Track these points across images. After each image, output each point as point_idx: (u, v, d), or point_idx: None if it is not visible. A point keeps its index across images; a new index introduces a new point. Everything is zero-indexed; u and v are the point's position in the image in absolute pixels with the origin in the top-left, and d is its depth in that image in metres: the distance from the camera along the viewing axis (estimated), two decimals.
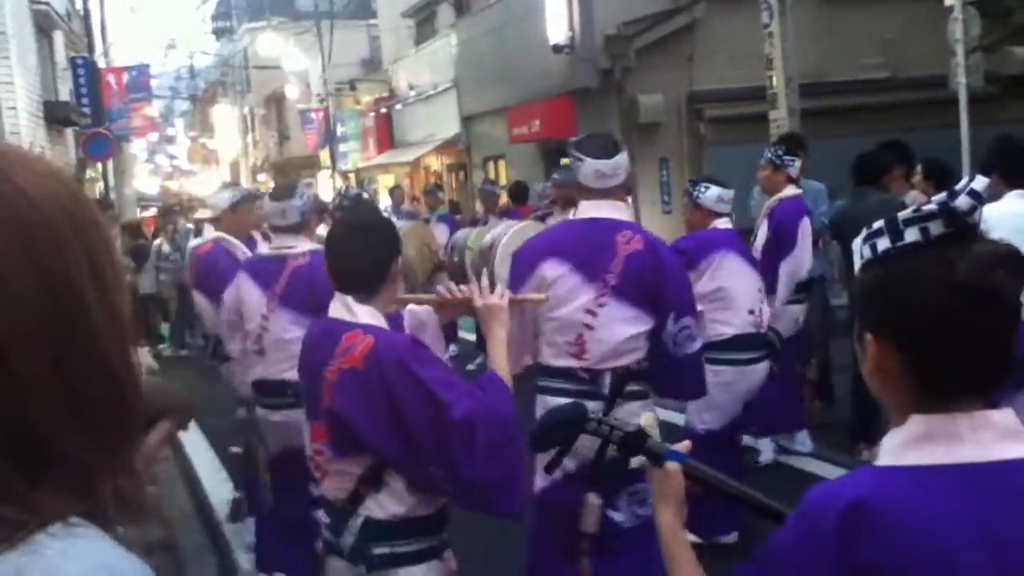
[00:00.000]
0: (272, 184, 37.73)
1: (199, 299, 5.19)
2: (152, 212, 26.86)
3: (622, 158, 3.47)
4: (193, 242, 5.44)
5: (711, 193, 4.68)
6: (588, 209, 3.47)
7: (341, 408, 2.32)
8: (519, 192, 9.86)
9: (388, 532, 2.36)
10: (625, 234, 3.37)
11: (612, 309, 3.31)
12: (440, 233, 10.15)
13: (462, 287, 2.64)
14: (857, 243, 1.23)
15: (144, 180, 30.26)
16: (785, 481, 5.53)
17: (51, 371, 0.74)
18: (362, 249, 2.48)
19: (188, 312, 10.31)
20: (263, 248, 4.26)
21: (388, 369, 2.27)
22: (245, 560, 4.77)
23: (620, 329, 3.32)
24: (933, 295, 1.14)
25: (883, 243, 1.18)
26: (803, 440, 5.95)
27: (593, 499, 3.21)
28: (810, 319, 6.25)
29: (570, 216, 3.77)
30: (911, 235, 1.16)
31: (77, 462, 0.75)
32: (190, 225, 12.08)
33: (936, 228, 1.15)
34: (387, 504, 2.35)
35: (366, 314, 2.42)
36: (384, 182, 23.37)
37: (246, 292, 4.06)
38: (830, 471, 5.70)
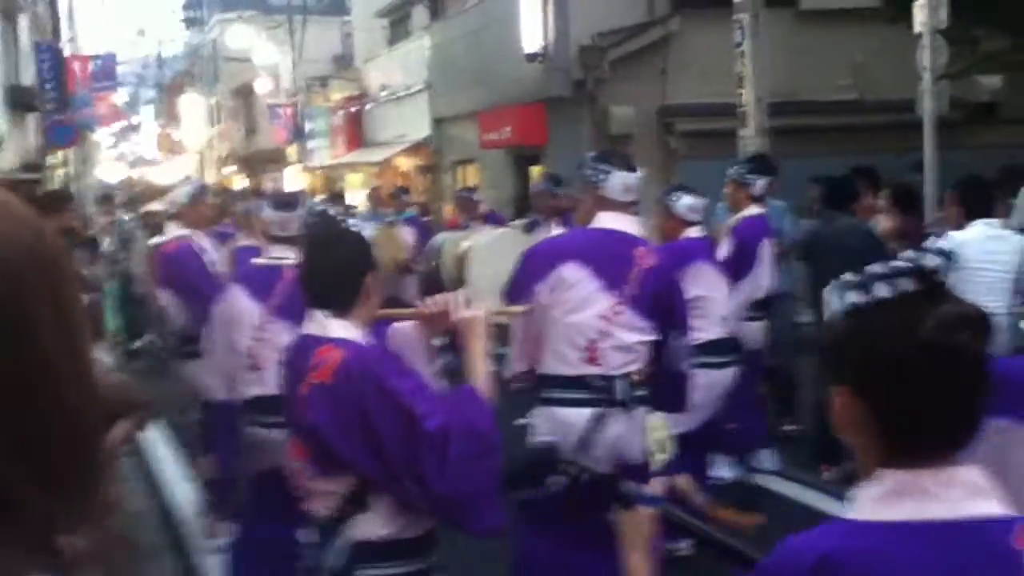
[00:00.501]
0: (242, 177, 37.48)
1: (165, 297, 5.14)
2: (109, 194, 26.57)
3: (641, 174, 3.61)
4: (155, 240, 5.36)
5: (684, 202, 4.80)
6: (607, 220, 3.53)
7: (313, 422, 2.29)
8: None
9: (374, 554, 2.32)
10: (642, 249, 3.50)
11: (626, 318, 3.42)
12: (407, 235, 10.13)
13: (437, 298, 2.62)
14: (827, 294, 1.25)
15: (108, 168, 29.75)
16: (749, 499, 5.59)
17: (8, 419, 0.70)
18: (333, 264, 2.45)
19: (135, 308, 10.16)
20: (257, 259, 4.10)
21: (358, 382, 2.24)
22: (209, 562, 4.70)
23: (632, 336, 3.45)
24: (899, 351, 1.16)
25: (853, 296, 1.21)
26: (767, 458, 6.01)
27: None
28: (776, 336, 6.33)
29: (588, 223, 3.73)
30: (881, 290, 1.19)
31: (34, 513, 0.71)
32: (127, 216, 11.76)
33: (905, 285, 1.18)
34: (372, 525, 2.32)
35: (339, 328, 2.39)
36: (352, 181, 23.22)
37: (240, 305, 3.90)
38: (794, 490, 5.78)
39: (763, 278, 5.58)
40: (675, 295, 3.58)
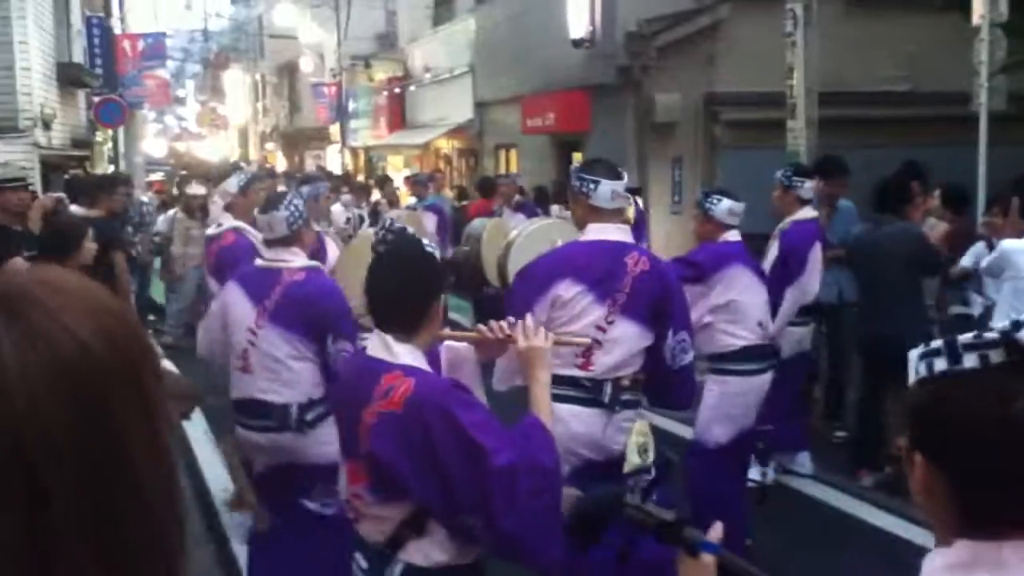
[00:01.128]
0: (280, 154, 37.73)
1: (215, 286, 5.19)
2: (159, 176, 26.83)
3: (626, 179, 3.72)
4: (211, 231, 5.40)
5: (723, 206, 4.73)
6: (597, 232, 3.62)
7: (381, 452, 2.26)
8: (486, 186, 10.61)
9: None
10: (633, 256, 3.58)
11: (620, 326, 3.51)
12: (428, 222, 10.15)
13: (503, 324, 2.58)
14: (913, 358, 1.22)
15: (151, 141, 29.94)
16: (784, 503, 5.54)
17: (92, 522, 0.70)
18: (404, 287, 2.41)
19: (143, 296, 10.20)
20: (257, 260, 4.05)
21: (428, 414, 2.21)
22: (242, 552, 4.77)
23: (625, 346, 3.53)
24: (987, 428, 1.13)
25: (940, 364, 1.18)
26: (804, 461, 5.96)
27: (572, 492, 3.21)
28: (833, 342, 6.30)
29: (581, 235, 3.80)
30: (970, 360, 1.15)
31: None
32: (144, 198, 11.61)
33: (996, 356, 1.14)
34: (430, 551, 2.30)
35: (406, 354, 2.35)
36: (394, 162, 23.29)
37: (234, 303, 3.89)
38: (830, 495, 5.72)
39: (812, 284, 5.49)
40: (669, 294, 3.61)
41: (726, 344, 4.72)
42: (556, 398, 3.31)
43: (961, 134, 8.86)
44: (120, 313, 0.77)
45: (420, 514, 2.29)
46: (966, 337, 1.17)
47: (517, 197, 10.06)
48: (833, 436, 6.50)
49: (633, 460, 3.52)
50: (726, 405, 4.71)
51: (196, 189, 10.57)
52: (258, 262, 4.00)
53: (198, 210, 10.26)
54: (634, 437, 3.55)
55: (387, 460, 2.24)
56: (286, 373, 3.77)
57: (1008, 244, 4.98)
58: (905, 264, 5.45)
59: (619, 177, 3.66)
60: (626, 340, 3.52)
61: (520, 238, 5.46)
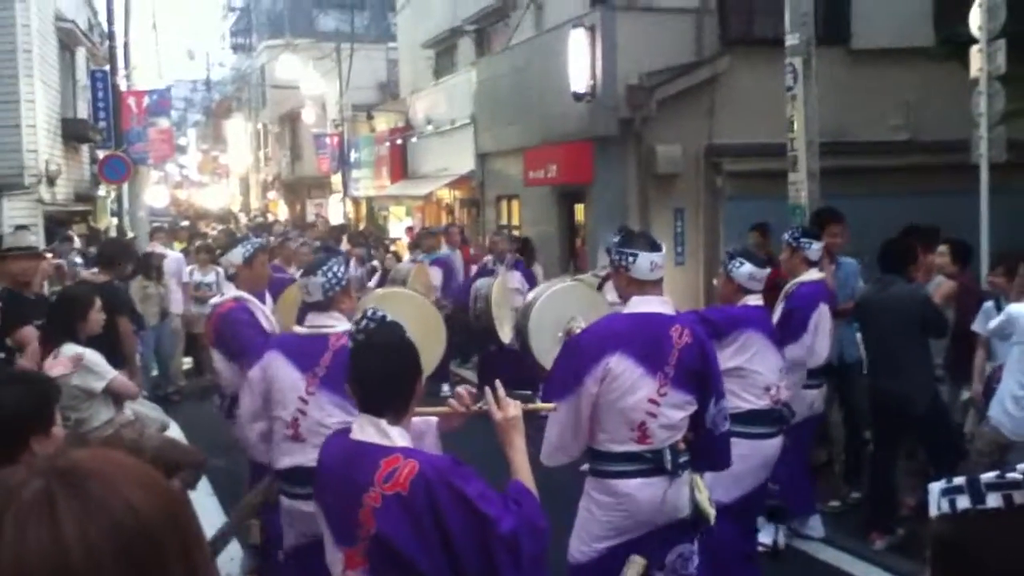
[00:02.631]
0: (281, 202, 37.83)
1: (217, 358, 5.15)
2: (161, 225, 26.92)
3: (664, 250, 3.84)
4: (214, 300, 5.37)
5: (744, 270, 4.76)
6: (640, 304, 3.74)
7: (388, 533, 2.31)
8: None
9: None
10: (676, 328, 3.71)
11: (671, 397, 3.65)
12: (434, 276, 10.17)
13: (465, 394, 2.80)
14: (934, 492, 1.21)
15: (152, 190, 30.11)
16: (795, 567, 5.47)
17: None
18: (397, 374, 2.50)
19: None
20: (296, 327, 4.05)
21: (435, 491, 2.31)
22: None
23: (678, 415, 3.68)
24: (1008, 569, 1.11)
25: (963, 502, 1.17)
26: (815, 525, 5.89)
27: (637, 559, 3.41)
28: (849, 403, 6.26)
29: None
30: (993, 500, 1.14)
31: None
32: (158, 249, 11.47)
33: (1020, 497, 1.13)
34: None
35: (400, 436, 2.44)
36: (396, 213, 23.38)
37: (281, 372, 3.85)
38: (842, 559, 5.65)
39: (819, 346, 5.48)
40: (710, 365, 3.76)
41: (732, 406, 4.67)
42: (620, 475, 3.66)
43: (963, 182, 8.90)
44: (167, 488, 0.85)
45: None
46: (988, 476, 1.16)
47: (509, 256, 10.08)
48: (849, 498, 6.43)
49: (710, 512, 3.74)
50: (732, 466, 4.65)
51: (155, 247, 10.62)
52: (297, 329, 4.00)
53: (153, 269, 10.33)
54: (702, 493, 3.75)
55: (395, 540, 2.31)
56: None
57: (1016, 309, 4.99)
58: (912, 325, 5.45)
59: (657, 249, 3.78)
60: (678, 409, 3.67)
61: (541, 300, 5.48)
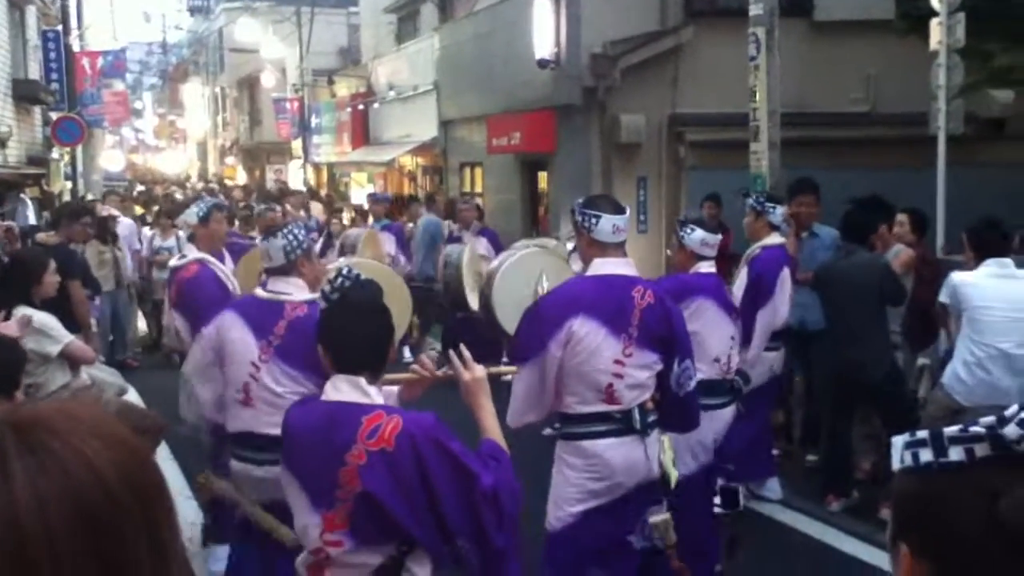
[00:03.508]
0: (240, 168, 37.27)
1: (178, 319, 5.10)
2: (113, 188, 26.39)
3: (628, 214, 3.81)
4: (174, 262, 5.30)
5: (696, 236, 4.71)
6: (602, 266, 3.72)
7: (374, 491, 2.30)
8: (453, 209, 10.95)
9: None
10: (639, 289, 3.71)
11: (637, 358, 3.66)
12: (386, 242, 10.10)
13: (428, 362, 2.82)
14: (897, 445, 1.21)
15: (107, 154, 29.38)
16: (753, 529, 5.56)
17: None
18: (377, 333, 2.51)
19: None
20: (258, 290, 3.92)
21: (421, 447, 2.32)
22: None
23: (644, 374, 3.70)
24: (972, 528, 1.11)
25: (926, 455, 1.16)
26: (773, 487, 5.99)
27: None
28: (813, 369, 6.31)
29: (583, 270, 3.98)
30: (955, 454, 1.14)
31: None
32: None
33: (982, 451, 1.13)
34: None
35: (378, 395, 2.46)
36: (358, 179, 23.16)
37: (235, 334, 3.75)
38: (799, 520, 5.76)
39: (781, 308, 5.53)
40: (673, 325, 3.76)
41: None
42: (589, 435, 3.67)
43: (922, 155, 9.02)
44: (135, 447, 0.79)
45: (399, 557, 2.36)
46: (952, 430, 1.16)
47: (475, 223, 10.05)
48: (806, 461, 6.54)
49: (673, 473, 3.77)
50: (681, 438, 4.62)
51: (109, 210, 10.42)
52: (258, 292, 3.87)
53: (109, 233, 10.14)
54: (668, 453, 3.78)
55: (380, 497, 2.30)
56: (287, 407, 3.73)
57: (957, 277, 5.05)
58: (872, 294, 5.52)
59: (621, 211, 3.75)
60: (644, 369, 3.68)
61: (504, 267, 5.47)
